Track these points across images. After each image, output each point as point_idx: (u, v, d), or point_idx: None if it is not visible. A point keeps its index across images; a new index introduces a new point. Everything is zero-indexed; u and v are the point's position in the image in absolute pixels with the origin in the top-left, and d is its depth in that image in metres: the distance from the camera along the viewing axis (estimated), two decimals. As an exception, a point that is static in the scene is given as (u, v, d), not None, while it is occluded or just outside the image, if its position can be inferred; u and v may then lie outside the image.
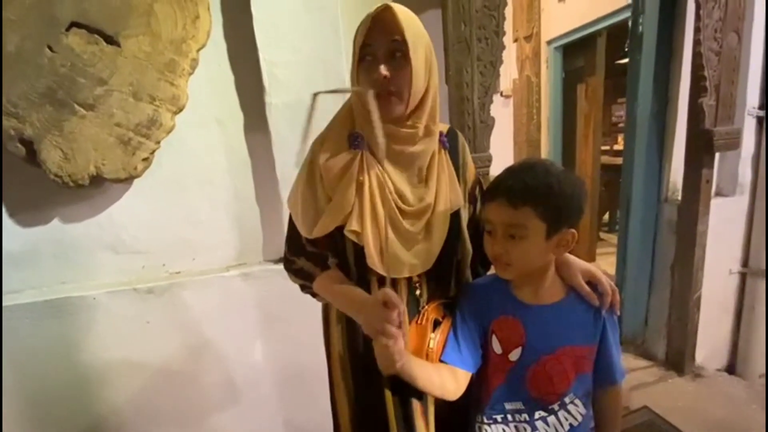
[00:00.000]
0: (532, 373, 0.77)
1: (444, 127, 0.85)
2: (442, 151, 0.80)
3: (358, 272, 0.78)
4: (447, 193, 0.78)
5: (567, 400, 0.78)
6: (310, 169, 0.77)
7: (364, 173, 0.72)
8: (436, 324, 0.78)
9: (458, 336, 0.78)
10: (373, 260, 0.72)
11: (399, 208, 0.74)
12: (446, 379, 0.75)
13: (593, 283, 0.79)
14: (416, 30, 0.71)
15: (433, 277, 0.80)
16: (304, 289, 0.88)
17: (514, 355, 0.77)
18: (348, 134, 0.75)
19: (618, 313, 0.80)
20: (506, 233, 0.72)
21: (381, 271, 0.73)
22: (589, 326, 0.78)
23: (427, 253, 0.76)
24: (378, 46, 0.70)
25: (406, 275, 0.76)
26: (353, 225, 0.72)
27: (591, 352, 0.79)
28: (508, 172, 0.75)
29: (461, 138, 0.88)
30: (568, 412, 0.78)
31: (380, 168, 0.74)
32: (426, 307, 0.79)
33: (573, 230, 0.73)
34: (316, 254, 0.82)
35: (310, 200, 0.76)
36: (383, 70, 0.69)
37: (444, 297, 0.83)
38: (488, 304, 0.80)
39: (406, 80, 0.70)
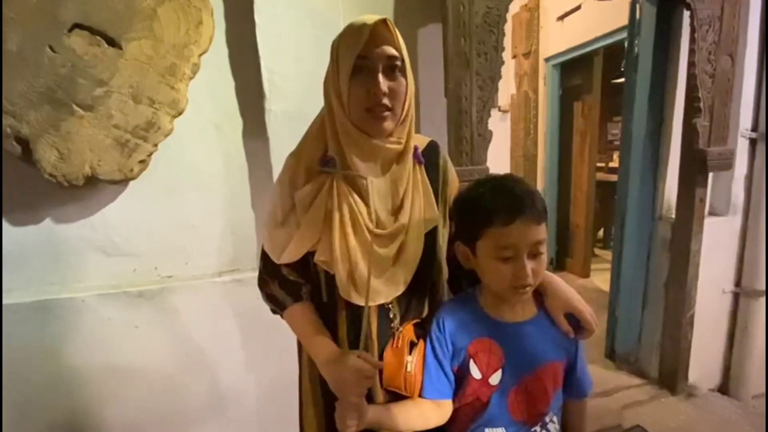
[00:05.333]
0: (514, 396, 0.74)
1: (423, 140, 0.83)
2: (416, 166, 0.77)
3: (328, 294, 0.77)
4: (421, 212, 0.76)
5: (547, 419, 0.76)
6: (280, 191, 0.76)
7: (334, 202, 0.71)
8: (412, 346, 0.76)
9: (431, 368, 0.75)
10: (347, 291, 0.72)
11: (372, 233, 0.72)
12: (429, 414, 0.75)
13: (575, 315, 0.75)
14: (405, 46, 0.71)
15: (407, 299, 0.78)
16: (274, 312, 0.85)
17: (495, 378, 0.74)
18: (320, 157, 0.74)
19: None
20: (531, 253, 0.68)
21: (357, 301, 0.72)
22: (563, 341, 0.77)
23: (400, 278, 0.74)
24: (375, 59, 0.68)
25: (381, 302, 0.74)
26: (322, 255, 0.71)
27: (564, 367, 0.78)
28: (504, 192, 0.70)
29: (443, 153, 0.85)
30: (549, 431, 0.77)
31: (355, 195, 0.72)
32: (401, 329, 0.77)
33: None
34: (290, 282, 0.79)
35: (280, 225, 0.76)
36: (383, 85, 0.68)
37: (417, 317, 0.80)
38: (462, 327, 0.76)
39: (401, 96, 0.70)
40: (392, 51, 0.68)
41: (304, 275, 0.79)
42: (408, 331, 0.77)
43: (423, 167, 0.78)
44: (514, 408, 0.75)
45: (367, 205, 0.73)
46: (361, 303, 0.71)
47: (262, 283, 0.84)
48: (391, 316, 0.77)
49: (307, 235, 0.72)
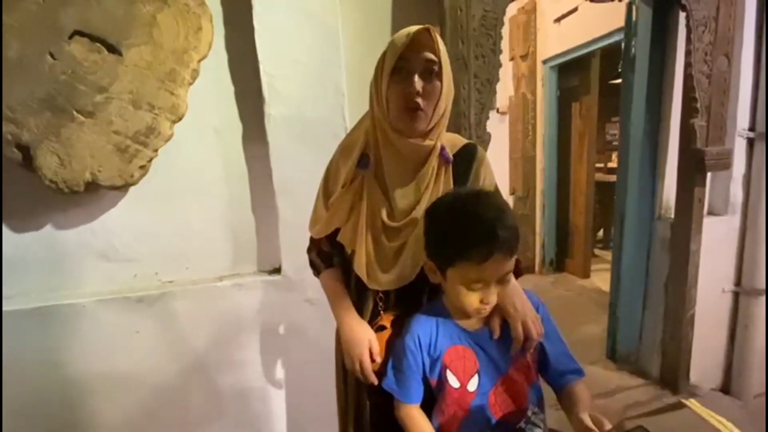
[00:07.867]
0: (494, 398, 0.76)
1: (460, 141, 0.86)
2: (442, 166, 0.80)
3: (343, 266, 0.90)
4: None
5: (529, 412, 0.78)
6: (326, 177, 0.89)
7: (364, 194, 0.81)
8: (381, 329, 0.83)
9: (407, 376, 0.76)
10: (361, 270, 0.82)
11: (385, 225, 0.80)
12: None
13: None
14: (446, 53, 0.76)
15: (404, 295, 0.82)
16: (315, 275, 1.00)
17: (473, 384, 0.76)
18: (359, 153, 0.81)
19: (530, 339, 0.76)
20: (498, 282, 0.71)
21: (364, 279, 0.82)
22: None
23: (401, 270, 0.80)
24: (414, 62, 0.73)
25: (383, 288, 0.82)
26: (344, 236, 0.85)
27: (533, 360, 0.79)
28: (478, 224, 0.66)
29: (480, 154, 0.86)
30: (534, 424, 0.78)
31: (380, 191, 0.81)
32: (381, 315, 0.84)
33: None
34: (325, 252, 0.93)
35: (319, 203, 0.90)
36: (418, 84, 0.72)
37: (414, 307, 0.82)
38: (435, 337, 0.77)
39: (434, 98, 0.75)
40: (430, 56, 0.73)
41: (335, 247, 0.89)
42: (386, 319, 0.84)
43: (451, 168, 0.81)
44: (496, 409, 0.76)
45: (388, 200, 0.81)
46: (365, 281, 0.82)
47: (308, 251, 0.99)
48: (380, 307, 0.85)
49: (334, 218, 0.85)
